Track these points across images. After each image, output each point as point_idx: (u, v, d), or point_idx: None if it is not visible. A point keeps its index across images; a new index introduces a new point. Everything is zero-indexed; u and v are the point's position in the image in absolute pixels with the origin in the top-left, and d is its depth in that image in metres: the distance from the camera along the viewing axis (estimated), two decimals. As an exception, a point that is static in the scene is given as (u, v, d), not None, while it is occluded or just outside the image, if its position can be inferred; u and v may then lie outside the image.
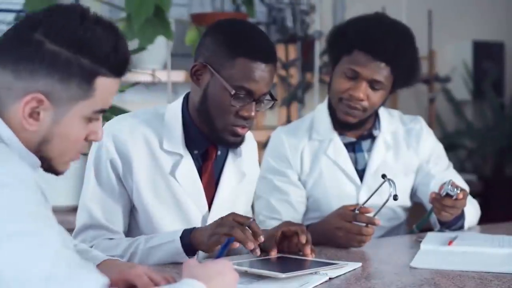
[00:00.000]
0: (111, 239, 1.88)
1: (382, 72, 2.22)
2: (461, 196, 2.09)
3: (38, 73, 1.27)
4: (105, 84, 1.32)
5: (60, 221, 3.18)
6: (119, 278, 1.50)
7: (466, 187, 2.24)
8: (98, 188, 1.88)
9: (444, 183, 2.09)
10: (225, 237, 1.67)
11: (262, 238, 1.72)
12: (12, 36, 1.30)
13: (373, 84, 2.23)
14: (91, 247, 1.86)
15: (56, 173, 1.38)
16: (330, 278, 1.66)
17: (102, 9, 3.72)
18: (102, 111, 1.35)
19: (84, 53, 1.28)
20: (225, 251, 1.48)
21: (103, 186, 1.88)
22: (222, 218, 1.75)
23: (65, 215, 2.90)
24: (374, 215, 2.02)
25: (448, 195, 2.08)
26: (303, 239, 1.84)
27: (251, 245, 1.67)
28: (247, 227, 1.71)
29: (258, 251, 1.71)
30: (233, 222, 1.72)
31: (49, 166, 1.35)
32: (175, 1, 3.63)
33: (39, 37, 1.27)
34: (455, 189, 2.08)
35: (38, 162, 1.33)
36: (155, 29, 3.13)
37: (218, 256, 1.44)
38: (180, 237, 1.78)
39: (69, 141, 1.33)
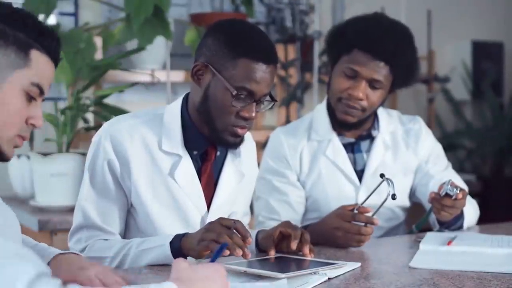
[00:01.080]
0: (106, 240, 1.88)
1: (381, 71, 2.22)
2: (460, 196, 2.09)
3: None
4: (39, 59, 1.45)
5: (60, 221, 3.17)
6: (68, 280, 1.43)
7: (465, 187, 2.24)
8: (93, 189, 1.88)
9: (444, 183, 2.09)
10: (214, 243, 1.67)
11: (250, 240, 1.71)
12: None
13: (372, 84, 2.24)
14: (86, 247, 1.87)
15: (2, 156, 1.44)
16: (329, 278, 1.66)
17: (102, 9, 3.72)
18: (40, 88, 1.45)
19: (18, 27, 1.43)
20: (219, 257, 1.47)
21: (98, 187, 1.88)
22: (210, 223, 1.75)
23: (65, 215, 2.90)
24: (373, 215, 2.02)
25: (447, 195, 2.08)
26: (293, 245, 1.83)
27: (239, 252, 1.66)
28: (234, 231, 1.71)
29: (248, 254, 1.69)
30: (221, 227, 1.71)
31: None
32: (174, 1, 3.63)
33: None
34: (455, 189, 2.08)
35: None
36: (155, 29, 3.13)
37: (212, 261, 1.42)
38: (170, 242, 1.77)
39: (9, 111, 1.42)
